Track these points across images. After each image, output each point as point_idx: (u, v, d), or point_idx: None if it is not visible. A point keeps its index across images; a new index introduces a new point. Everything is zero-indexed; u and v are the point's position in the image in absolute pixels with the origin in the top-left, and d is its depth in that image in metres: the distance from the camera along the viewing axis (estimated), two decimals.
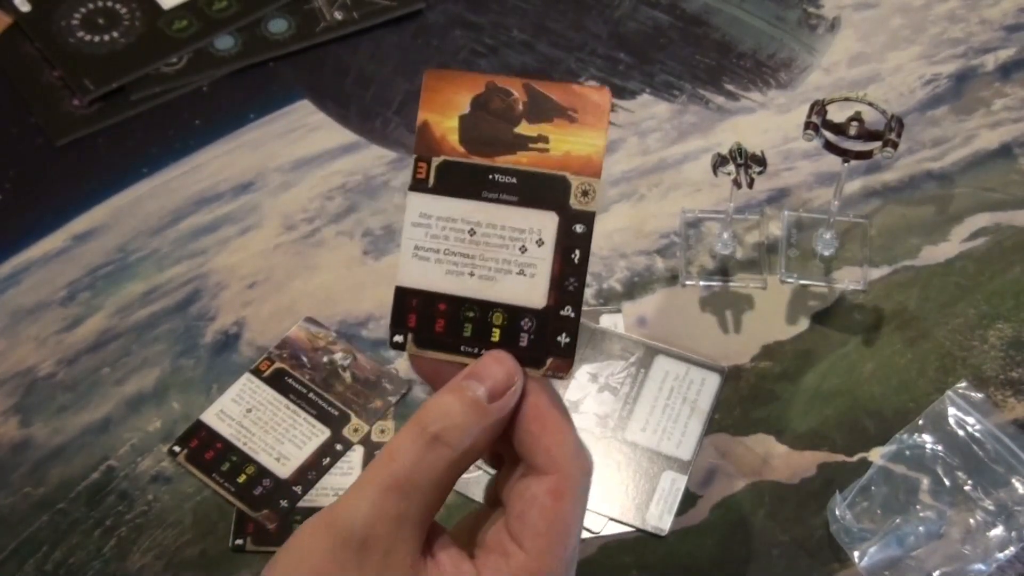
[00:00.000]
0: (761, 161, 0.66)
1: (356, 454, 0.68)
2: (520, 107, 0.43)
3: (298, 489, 0.66)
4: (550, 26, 0.90)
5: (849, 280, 0.73)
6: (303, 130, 0.85)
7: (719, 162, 0.67)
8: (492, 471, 0.47)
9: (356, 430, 0.68)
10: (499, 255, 0.43)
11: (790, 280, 0.73)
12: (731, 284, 0.74)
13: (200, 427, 0.69)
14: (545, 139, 0.43)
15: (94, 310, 0.76)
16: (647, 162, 0.81)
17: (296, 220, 0.79)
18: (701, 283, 0.74)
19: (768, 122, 0.82)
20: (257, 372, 0.71)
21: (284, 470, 0.67)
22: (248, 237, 0.79)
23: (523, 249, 0.42)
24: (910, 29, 0.87)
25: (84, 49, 0.88)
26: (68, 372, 0.73)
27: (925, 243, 0.75)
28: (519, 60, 0.87)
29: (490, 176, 0.43)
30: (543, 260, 0.42)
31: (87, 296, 0.76)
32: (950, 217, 0.76)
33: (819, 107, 0.65)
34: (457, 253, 0.43)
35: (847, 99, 0.66)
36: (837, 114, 0.66)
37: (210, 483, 0.67)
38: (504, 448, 0.43)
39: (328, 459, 0.67)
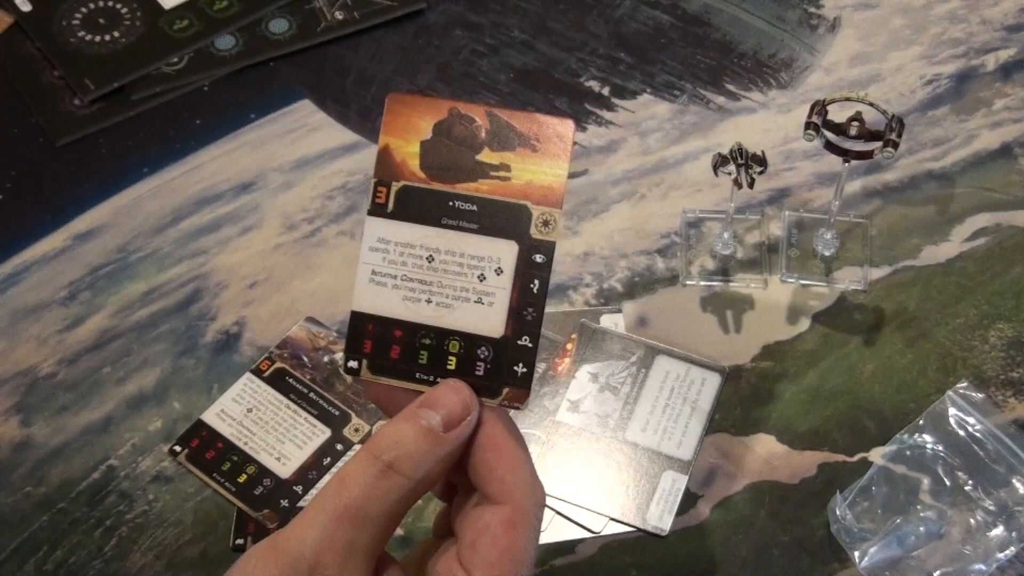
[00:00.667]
0: (762, 161, 0.66)
1: None
2: (482, 134, 0.43)
3: (299, 489, 0.66)
4: (551, 26, 0.90)
5: (850, 280, 0.73)
6: (304, 130, 0.85)
7: (720, 162, 0.67)
8: (441, 503, 0.46)
9: (357, 430, 0.69)
10: (457, 283, 0.42)
11: (791, 280, 0.73)
12: (732, 284, 0.74)
13: (201, 427, 0.69)
14: (507, 167, 0.42)
15: (95, 310, 0.76)
16: (648, 162, 0.81)
17: (297, 220, 0.79)
18: (702, 283, 0.74)
19: (769, 122, 0.82)
20: (258, 372, 0.71)
21: (285, 470, 0.67)
22: (249, 237, 0.79)
23: (482, 277, 0.42)
24: (911, 29, 0.87)
25: (85, 49, 0.88)
26: (69, 372, 0.73)
27: (926, 243, 0.75)
28: (519, 60, 0.87)
29: (450, 203, 0.42)
30: (502, 289, 0.42)
31: (88, 296, 0.76)
32: (951, 217, 0.76)
33: (820, 107, 0.65)
34: (415, 279, 0.42)
35: (848, 99, 0.66)
36: (838, 114, 0.66)
37: (211, 483, 0.67)
38: (458, 477, 0.43)
39: (329, 459, 0.67)
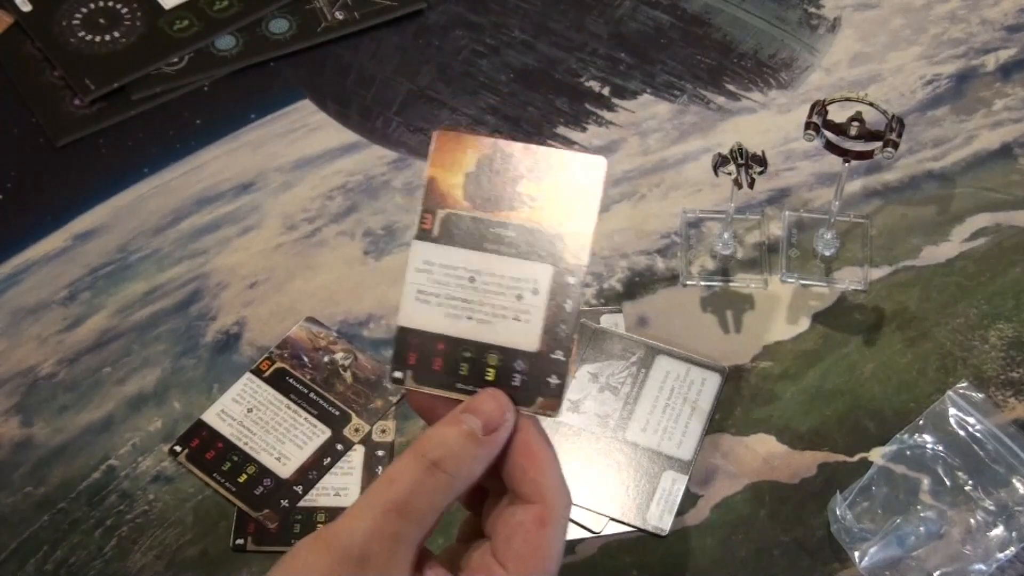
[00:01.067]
0: (762, 161, 0.66)
1: (357, 454, 0.68)
2: (522, 168, 0.46)
3: (299, 489, 0.66)
4: (551, 26, 0.90)
5: (850, 280, 0.73)
6: (304, 130, 0.85)
7: (720, 162, 0.67)
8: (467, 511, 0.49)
9: (357, 430, 0.69)
10: (496, 301, 0.45)
11: (791, 280, 0.73)
12: (732, 284, 0.74)
13: (201, 427, 0.69)
14: (544, 197, 0.46)
15: (95, 310, 0.76)
16: (648, 162, 0.81)
17: (297, 220, 0.79)
18: (702, 283, 0.74)
19: (769, 122, 0.82)
20: (258, 372, 0.71)
21: (285, 470, 0.67)
22: (249, 237, 0.79)
23: (519, 297, 0.45)
24: (911, 29, 0.87)
25: (85, 49, 0.88)
26: (69, 372, 0.73)
27: (926, 243, 0.75)
28: (520, 60, 0.87)
29: (491, 229, 0.46)
30: (537, 308, 0.45)
31: (88, 296, 0.76)
32: (951, 217, 0.76)
33: (820, 107, 0.65)
34: (457, 298, 0.46)
35: (848, 99, 0.66)
36: (838, 114, 0.66)
37: (211, 483, 0.67)
38: (491, 481, 0.46)
39: (329, 459, 0.67)
